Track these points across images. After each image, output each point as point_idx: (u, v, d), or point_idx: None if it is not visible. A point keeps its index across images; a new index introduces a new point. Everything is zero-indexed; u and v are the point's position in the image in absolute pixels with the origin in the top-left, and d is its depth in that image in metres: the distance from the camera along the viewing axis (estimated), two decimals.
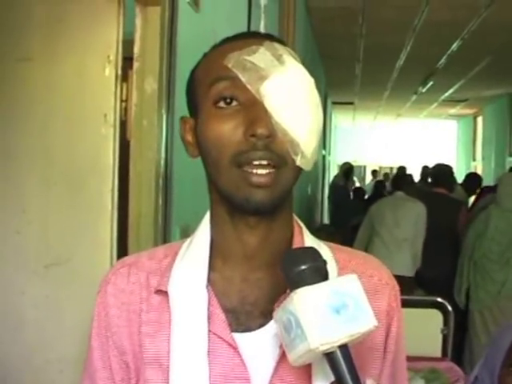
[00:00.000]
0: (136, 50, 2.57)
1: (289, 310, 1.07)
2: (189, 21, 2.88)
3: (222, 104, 1.17)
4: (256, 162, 1.13)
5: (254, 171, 1.14)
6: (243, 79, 1.15)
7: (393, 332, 1.27)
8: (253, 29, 4.02)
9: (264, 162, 1.13)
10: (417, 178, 12.64)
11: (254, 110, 1.14)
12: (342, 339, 1.05)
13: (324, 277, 1.09)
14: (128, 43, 2.56)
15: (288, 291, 1.17)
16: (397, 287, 1.31)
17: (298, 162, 1.16)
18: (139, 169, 2.57)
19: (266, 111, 1.14)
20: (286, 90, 1.16)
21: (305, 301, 1.05)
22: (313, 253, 1.12)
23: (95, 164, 2.52)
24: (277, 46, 1.20)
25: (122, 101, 2.60)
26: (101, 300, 1.29)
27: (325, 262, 1.11)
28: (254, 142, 1.13)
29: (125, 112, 3.00)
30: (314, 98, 1.20)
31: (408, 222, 6.69)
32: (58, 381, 2.50)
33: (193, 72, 1.27)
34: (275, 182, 1.14)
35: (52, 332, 2.56)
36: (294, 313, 1.06)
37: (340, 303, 1.05)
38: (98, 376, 1.27)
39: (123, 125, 2.69)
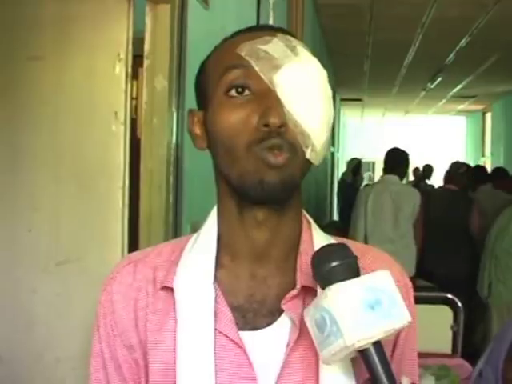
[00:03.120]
0: (146, 47, 2.57)
1: (322, 307, 1.06)
2: (198, 18, 2.88)
3: (233, 93, 1.16)
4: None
5: (271, 152, 1.12)
6: (256, 68, 1.14)
7: (404, 331, 1.25)
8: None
9: (276, 151, 1.12)
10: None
11: (266, 100, 1.13)
12: (377, 335, 1.05)
13: (356, 273, 1.09)
14: (138, 41, 2.56)
15: (297, 287, 1.17)
16: (409, 285, 1.30)
17: (308, 155, 1.15)
18: (150, 166, 2.57)
19: (278, 101, 1.13)
20: (300, 80, 1.15)
21: (339, 297, 1.05)
22: (344, 249, 1.11)
23: (106, 162, 2.52)
24: (290, 38, 1.20)
25: (132, 98, 2.61)
26: (106, 298, 1.26)
27: (356, 258, 1.10)
28: (268, 131, 1.12)
29: (135, 110, 3.00)
30: (327, 91, 1.19)
31: (408, 216, 6.03)
32: (70, 378, 2.50)
33: (203, 64, 1.26)
34: (289, 164, 1.13)
35: (63, 330, 2.56)
36: (328, 310, 1.05)
37: (374, 299, 1.05)
38: (111, 380, 1.25)
39: (134, 122, 2.70)
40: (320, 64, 1.20)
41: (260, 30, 1.22)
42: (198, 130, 1.24)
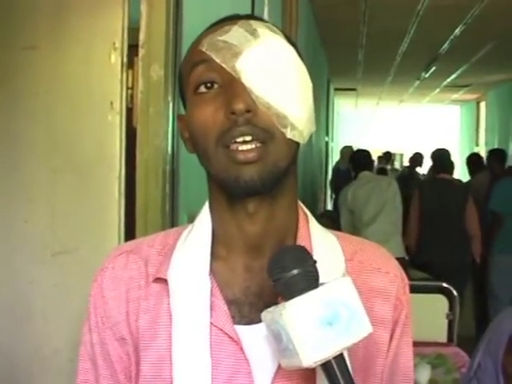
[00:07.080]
0: (141, 37, 2.56)
1: (279, 323, 1.03)
2: (194, 7, 2.86)
3: (202, 89, 1.15)
4: (239, 139, 1.10)
5: (239, 148, 1.10)
6: (217, 59, 1.12)
7: (399, 326, 1.24)
8: (257, 15, 4.01)
9: (248, 138, 1.10)
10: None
11: (232, 89, 1.11)
12: (336, 352, 1.02)
13: (315, 280, 1.05)
14: (133, 30, 2.55)
15: None
16: (406, 280, 1.28)
17: (289, 134, 1.12)
18: (146, 156, 2.56)
19: (244, 87, 1.11)
20: (263, 62, 1.13)
21: (295, 317, 1.01)
22: (302, 254, 1.08)
23: (102, 151, 2.52)
24: (252, 22, 1.17)
25: (128, 88, 2.60)
26: (97, 289, 1.24)
27: (315, 263, 1.07)
28: (235, 119, 1.10)
29: (131, 99, 2.99)
30: (297, 66, 1.17)
31: (390, 200, 6.71)
32: (68, 369, 2.50)
33: (180, 67, 1.26)
34: (263, 156, 1.11)
35: (60, 320, 2.56)
36: (284, 328, 1.01)
37: (332, 314, 1.01)
38: (101, 373, 1.23)
39: (129, 112, 2.69)
40: (285, 40, 1.18)
41: (226, 20, 1.20)
42: (186, 134, 1.23)
